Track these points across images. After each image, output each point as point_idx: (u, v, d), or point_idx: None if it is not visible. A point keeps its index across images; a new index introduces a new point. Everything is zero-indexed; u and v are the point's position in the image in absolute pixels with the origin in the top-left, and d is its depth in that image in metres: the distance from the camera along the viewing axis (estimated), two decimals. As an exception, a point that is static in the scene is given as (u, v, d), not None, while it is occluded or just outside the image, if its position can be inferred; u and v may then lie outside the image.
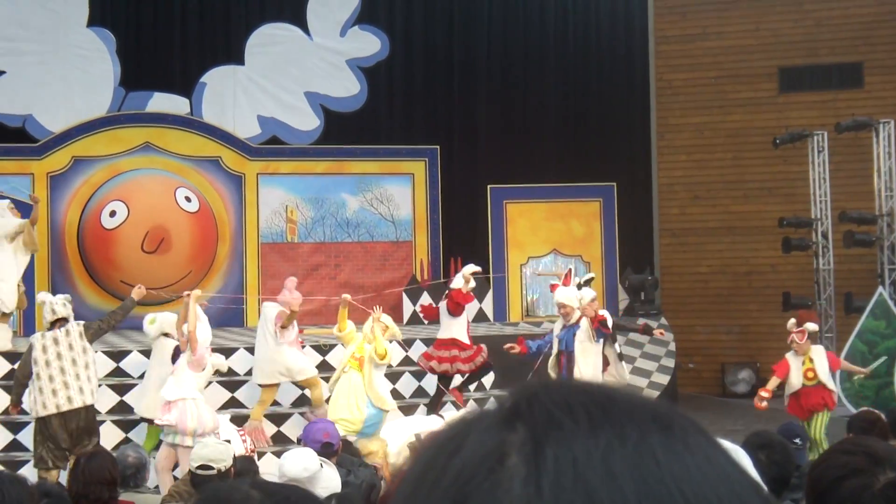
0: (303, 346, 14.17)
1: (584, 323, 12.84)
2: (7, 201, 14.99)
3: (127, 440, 12.55)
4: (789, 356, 13.16)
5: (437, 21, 20.69)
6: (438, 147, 20.22)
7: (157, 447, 11.89)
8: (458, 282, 14.39)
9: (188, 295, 11.89)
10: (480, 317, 19.44)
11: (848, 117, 18.60)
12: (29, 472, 11.40)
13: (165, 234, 18.01)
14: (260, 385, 13.45)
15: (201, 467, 6.48)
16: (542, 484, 0.81)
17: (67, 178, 18.61)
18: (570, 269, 14.34)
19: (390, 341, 13.21)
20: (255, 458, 9.36)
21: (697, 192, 20.70)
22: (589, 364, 12.75)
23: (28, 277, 17.03)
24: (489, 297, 19.64)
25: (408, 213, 20.11)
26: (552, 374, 13.02)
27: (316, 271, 19.52)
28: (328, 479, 6.63)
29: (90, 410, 11.69)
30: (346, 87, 20.18)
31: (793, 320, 13.36)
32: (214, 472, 6.49)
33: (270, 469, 9.45)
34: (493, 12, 20.81)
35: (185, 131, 19.25)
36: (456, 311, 14.18)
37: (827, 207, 18.76)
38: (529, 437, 0.85)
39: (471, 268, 14.53)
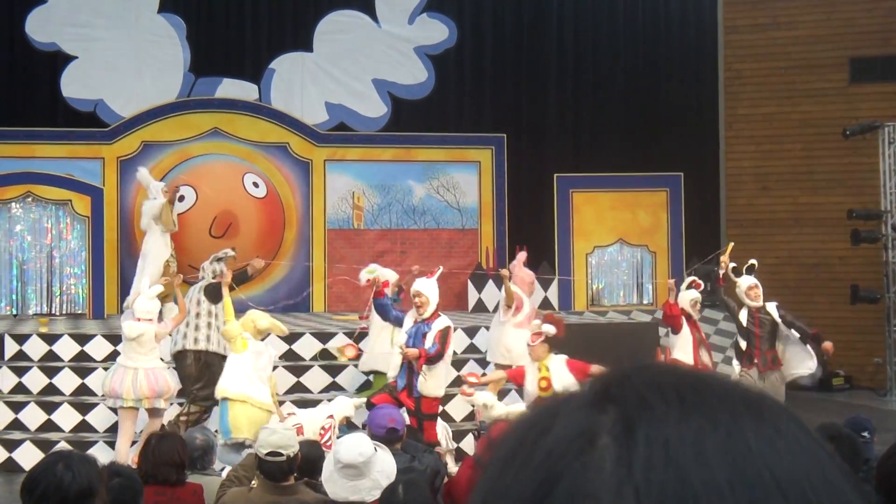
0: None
1: (437, 326, 11.33)
2: (162, 183, 15.38)
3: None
4: (526, 362, 11.50)
5: (506, 9, 20.66)
6: (505, 135, 20.18)
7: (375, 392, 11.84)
8: (680, 295, 12.71)
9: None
10: (545, 305, 19.44)
11: (920, 109, 18.39)
12: (98, 453, 11.55)
13: (233, 219, 18.15)
14: (492, 363, 13.28)
15: (270, 454, 6.52)
16: (634, 465, 0.82)
17: (137, 163, 18.72)
18: (440, 269, 12.34)
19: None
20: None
21: (766, 183, 20.50)
22: (440, 374, 11.40)
23: (98, 261, 17.26)
24: (554, 285, 19.60)
25: (474, 201, 20.09)
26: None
27: (381, 258, 19.52)
28: (383, 463, 6.64)
29: (184, 356, 12.44)
30: (414, 75, 20.22)
31: (537, 321, 11.94)
32: (283, 458, 6.53)
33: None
34: (562, 0, 20.75)
35: (253, 117, 19.37)
36: (673, 325, 12.64)
37: (897, 200, 18.56)
38: (620, 418, 0.85)
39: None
